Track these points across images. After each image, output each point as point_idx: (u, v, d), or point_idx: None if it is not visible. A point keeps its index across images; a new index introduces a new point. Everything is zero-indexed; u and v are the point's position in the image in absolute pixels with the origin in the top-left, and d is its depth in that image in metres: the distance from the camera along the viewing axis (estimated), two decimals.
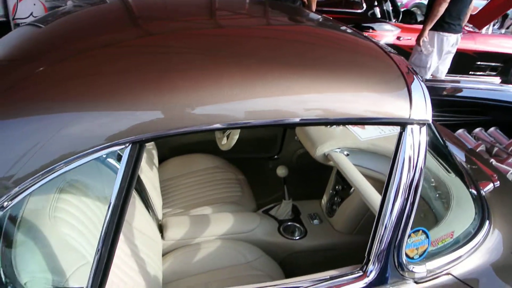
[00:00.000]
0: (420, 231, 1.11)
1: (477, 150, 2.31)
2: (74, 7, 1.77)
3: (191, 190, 2.27)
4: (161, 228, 1.86)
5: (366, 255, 1.10)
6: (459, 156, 1.68)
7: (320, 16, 1.71)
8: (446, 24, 3.85)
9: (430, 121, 1.08)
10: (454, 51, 4.09)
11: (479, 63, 6.06)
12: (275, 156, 2.85)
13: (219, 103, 0.96)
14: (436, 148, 1.62)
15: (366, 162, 1.71)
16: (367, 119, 1.03)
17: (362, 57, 1.20)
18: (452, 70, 6.00)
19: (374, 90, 1.05)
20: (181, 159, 2.52)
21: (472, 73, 6.19)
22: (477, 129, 2.52)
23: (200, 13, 1.62)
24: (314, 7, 4.33)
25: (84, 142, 0.91)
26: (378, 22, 5.90)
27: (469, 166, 1.62)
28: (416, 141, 1.06)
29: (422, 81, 1.13)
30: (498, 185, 1.52)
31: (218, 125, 0.96)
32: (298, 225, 1.97)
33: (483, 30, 6.45)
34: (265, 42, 1.22)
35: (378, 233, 1.07)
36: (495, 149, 2.35)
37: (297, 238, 1.91)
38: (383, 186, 1.08)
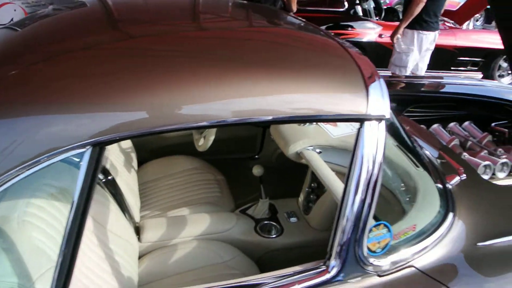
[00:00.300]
0: (382, 225, 1.13)
1: (451, 144, 2.34)
2: (53, 10, 1.77)
3: (170, 192, 2.28)
4: (138, 231, 1.87)
5: (328, 250, 1.12)
6: (429, 150, 1.71)
7: (285, 16, 1.73)
8: (424, 23, 3.91)
9: (388, 117, 1.10)
10: (432, 48, 4.15)
11: (460, 58, 6.14)
12: (256, 156, 2.87)
13: (174, 104, 0.97)
14: (405, 144, 1.65)
15: (337, 159, 1.73)
16: (324, 116, 1.06)
17: (320, 55, 1.23)
18: (434, 66, 6.08)
19: (331, 88, 1.07)
20: (161, 162, 2.53)
21: (454, 68, 6.27)
22: (452, 124, 2.56)
23: (176, 15, 1.64)
24: (294, 7, 4.36)
25: (45, 144, 0.92)
26: (360, 20, 5.95)
27: (438, 160, 1.65)
28: (374, 136, 1.08)
29: (380, 77, 1.15)
30: (465, 177, 1.55)
31: (171, 127, 0.97)
32: (274, 223, 1.99)
33: (464, 26, 6.52)
34: (223, 42, 1.23)
35: (339, 228, 1.09)
36: (469, 143, 2.39)
37: (274, 236, 1.93)
38: None
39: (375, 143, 1.08)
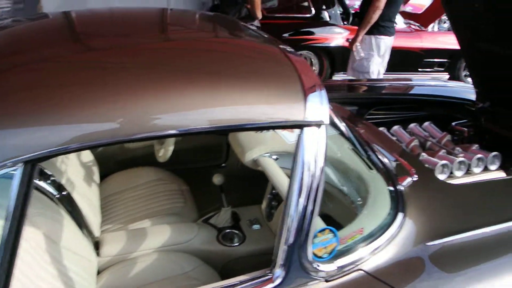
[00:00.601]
0: (327, 230, 1.14)
1: (411, 145, 2.38)
2: (12, 22, 1.74)
3: (133, 204, 2.25)
4: (98, 245, 1.84)
5: (273, 259, 1.11)
6: (384, 153, 1.73)
7: (233, 24, 1.74)
8: (382, 28, 3.98)
9: (327, 122, 1.11)
10: (389, 52, 4.23)
11: (426, 60, 6.27)
12: (223, 164, 2.86)
13: (106, 117, 0.96)
14: (359, 147, 1.67)
15: None
16: (262, 124, 1.06)
17: (262, 64, 1.24)
18: (402, 68, 6.21)
19: (269, 96, 1.08)
20: (124, 174, 2.50)
21: (422, 70, 6.40)
22: (412, 125, 2.60)
23: (132, 28, 1.63)
24: (259, 14, 4.38)
25: None
26: (327, 25, 6.03)
27: (391, 162, 1.67)
28: (314, 141, 1.09)
29: (321, 84, 1.16)
30: (416, 178, 1.57)
31: (105, 141, 0.96)
32: (237, 231, 1.98)
33: (429, 28, 6.66)
34: (163, 54, 1.23)
35: (283, 236, 1.09)
36: (428, 143, 2.43)
37: (236, 244, 1.92)
38: None
39: (315, 148, 1.09)
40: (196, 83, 1.07)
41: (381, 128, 2.48)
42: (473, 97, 2.95)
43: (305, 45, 5.83)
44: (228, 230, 1.99)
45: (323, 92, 1.13)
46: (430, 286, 1.27)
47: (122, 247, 1.82)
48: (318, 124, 1.10)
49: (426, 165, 2.14)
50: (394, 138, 2.42)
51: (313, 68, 6.00)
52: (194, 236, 1.91)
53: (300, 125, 1.09)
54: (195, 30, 1.66)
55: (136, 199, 2.28)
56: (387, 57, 4.21)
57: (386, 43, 4.08)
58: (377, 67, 4.12)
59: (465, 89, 3.06)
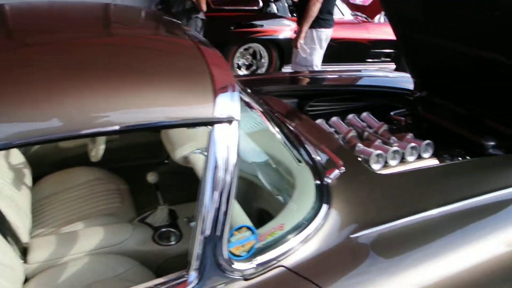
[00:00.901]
0: (244, 228, 1.12)
1: (349, 136, 2.40)
2: None
3: (68, 206, 2.17)
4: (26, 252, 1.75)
5: (188, 259, 1.09)
6: (314, 146, 1.73)
7: (153, 18, 1.69)
8: (322, 21, 4.02)
9: (238, 118, 1.09)
10: (327, 44, 4.28)
11: (373, 50, 6.38)
12: (165, 161, 2.80)
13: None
14: (288, 140, 1.67)
15: None
16: (170, 123, 1.02)
17: (170, 58, 1.20)
18: (350, 59, 6.30)
19: (177, 92, 1.05)
20: (59, 175, 2.40)
21: (370, 60, 6.51)
22: (350, 115, 2.63)
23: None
24: (204, 7, 4.32)
25: None
26: (276, 18, 6.02)
27: (320, 155, 1.67)
28: (226, 138, 1.07)
29: (231, 78, 1.14)
30: (344, 170, 1.58)
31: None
32: (173, 230, 1.94)
33: (376, 19, 6.79)
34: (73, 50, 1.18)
35: (197, 236, 1.06)
36: (365, 133, 2.46)
37: (172, 243, 1.88)
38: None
39: (226, 145, 1.07)
40: (101, 81, 1.02)
41: (319, 120, 2.50)
42: (412, 87, 3.03)
43: (254, 37, 5.81)
44: (164, 229, 1.94)
45: (234, 87, 1.11)
46: (356, 278, 1.28)
47: (51, 252, 1.74)
48: (229, 121, 1.08)
49: (362, 156, 2.18)
50: (332, 130, 2.45)
51: (262, 60, 6.00)
52: (128, 237, 1.86)
53: (210, 123, 1.06)
54: (116, 26, 1.59)
55: (71, 200, 2.20)
56: (324, 49, 4.27)
57: (327, 35, 4.14)
58: (320, 60, 4.17)
59: (405, 79, 3.12)
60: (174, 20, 1.72)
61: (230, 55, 5.79)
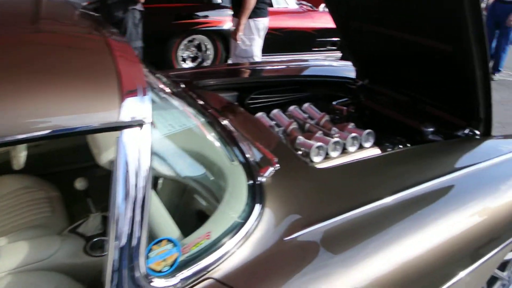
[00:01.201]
0: (165, 241, 1.02)
1: (290, 128, 2.34)
2: None
3: None
4: None
5: (102, 280, 0.98)
6: (249, 142, 1.64)
7: (51, 8, 1.54)
8: (258, 10, 4.00)
9: (149, 121, 0.99)
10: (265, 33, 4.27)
11: (319, 39, 6.38)
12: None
13: None
14: (220, 137, 1.57)
15: (155, 163, 1.59)
16: (70, 131, 0.91)
17: (75, 56, 1.07)
18: (295, 48, 6.27)
19: (81, 95, 0.93)
20: None
21: (316, 49, 6.51)
22: (292, 107, 2.56)
23: None
24: None
25: None
26: (220, 8, 5.89)
27: (255, 152, 1.59)
28: (136, 143, 0.96)
29: (141, 76, 1.03)
30: (278, 167, 1.50)
31: None
32: (107, 238, 1.81)
33: (321, 8, 6.78)
34: None
35: (109, 254, 0.95)
36: (307, 125, 2.41)
37: (106, 253, 1.75)
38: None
39: (137, 150, 0.96)
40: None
41: (260, 113, 2.42)
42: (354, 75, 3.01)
43: (197, 29, 5.66)
44: (97, 239, 1.81)
45: (145, 87, 1.00)
46: (301, 278, 1.21)
47: None
48: (140, 124, 0.97)
49: (303, 148, 2.12)
50: (273, 123, 2.37)
51: (208, 52, 5.86)
52: (57, 250, 1.71)
53: (116, 127, 0.95)
54: (13, 20, 1.43)
55: None
56: (263, 39, 4.23)
57: (264, 24, 4.12)
58: (260, 50, 4.13)
59: (349, 67, 3.09)
60: (89, 12, 1.57)
61: (174, 48, 5.61)
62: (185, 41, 5.70)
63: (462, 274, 1.56)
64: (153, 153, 1.65)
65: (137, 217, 0.95)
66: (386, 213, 1.52)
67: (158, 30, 5.29)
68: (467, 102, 2.16)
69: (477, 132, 2.19)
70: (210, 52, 5.84)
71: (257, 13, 3.98)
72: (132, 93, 0.97)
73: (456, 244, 1.55)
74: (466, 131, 2.22)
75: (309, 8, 6.71)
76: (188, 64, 5.85)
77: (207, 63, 5.90)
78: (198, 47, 5.86)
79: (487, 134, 2.19)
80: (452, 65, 2.16)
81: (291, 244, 1.28)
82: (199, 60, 5.92)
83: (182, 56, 5.77)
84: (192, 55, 5.87)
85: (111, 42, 1.20)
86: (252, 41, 4.05)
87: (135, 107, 0.96)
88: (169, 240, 1.02)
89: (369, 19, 2.54)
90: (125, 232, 0.95)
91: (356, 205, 1.50)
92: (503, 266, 2.10)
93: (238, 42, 4.00)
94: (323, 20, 6.39)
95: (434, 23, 2.07)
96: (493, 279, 2.11)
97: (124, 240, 0.95)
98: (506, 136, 2.48)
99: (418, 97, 2.56)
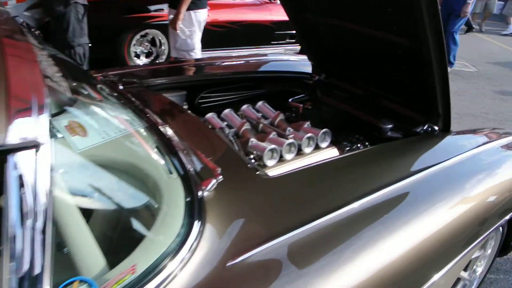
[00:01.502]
0: (76, 282, 0.85)
1: (242, 130, 2.19)
2: None
3: None
4: None
5: None
6: (190, 152, 1.48)
7: None
8: (198, 1, 3.90)
9: (46, 142, 0.81)
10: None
11: (277, 32, 6.24)
12: None
13: None
14: (158, 146, 1.40)
15: (84, 177, 1.40)
16: None
17: None
18: (254, 42, 6.11)
19: None
20: None
21: (275, 42, 6.36)
22: (244, 106, 2.40)
23: None
24: None
25: None
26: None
27: (197, 163, 1.43)
28: (31, 169, 0.79)
29: (40, 89, 0.85)
30: (222, 179, 1.34)
31: None
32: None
33: (278, 0, 6.63)
34: None
35: None
36: (260, 125, 2.26)
37: None
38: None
39: (32, 178, 0.79)
40: None
41: (210, 114, 2.25)
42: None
43: (150, 23, 5.40)
44: None
45: (43, 103, 0.83)
46: None
47: None
48: (35, 146, 0.79)
49: (255, 152, 1.97)
50: (224, 124, 2.21)
51: (163, 47, 5.62)
52: None
53: (6, 151, 0.77)
54: None
55: None
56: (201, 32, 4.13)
57: (204, 16, 4.01)
58: (200, 43, 4.00)
59: (306, 62, 2.96)
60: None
61: (126, 44, 5.33)
62: (137, 36, 5.43)
63: (436, 277, 1.47)
64: (74, 176, 1.46)
65: (38, 254, 0.78)
66: (349, 220, 1.40)
67: (107, 25, 5.02)
68: (425, 97, 2.07)
69: (436, 128, 2.10)
70: (165, 47, 5.60)
71: (197, 4, 3.87)
72: (25, 109, 0.79)
73: (429, 245, 1.46)
74: (425, 127, 2.13)
75: (266, 1, 6.55)
76: (143, 60, 5.59)
77: (162, 58, 5.66)
78: (152, 42, 5.61)
79: (446, 129, 2.11)
80: (409, 58, 2.06)
81: (240, 267, 1.13)
82: (154, 55, 5.67)
83: (135, 52, 5.51)
84: (146, 51, 5.61)
85: (6, 49, 1.01)
86: (193, 33, 3.93)
87: (30, 125, 0.79)
88: (84, 281, 0.85)
89: (322, 11, 2.41)
90: (22, 273, 0.77)
91: (318, 214, 1.36)
92: (466, 267, 2.03)
93: (177, 31, 3.85)
94: (281, 12, 6.20)
95: (390, 16, 1.96)
96: (456, 281, 2.04)
97: (24, 276, 0.77)
98: (463, 132, 2.41)
99: (375, 91, 2.45)
